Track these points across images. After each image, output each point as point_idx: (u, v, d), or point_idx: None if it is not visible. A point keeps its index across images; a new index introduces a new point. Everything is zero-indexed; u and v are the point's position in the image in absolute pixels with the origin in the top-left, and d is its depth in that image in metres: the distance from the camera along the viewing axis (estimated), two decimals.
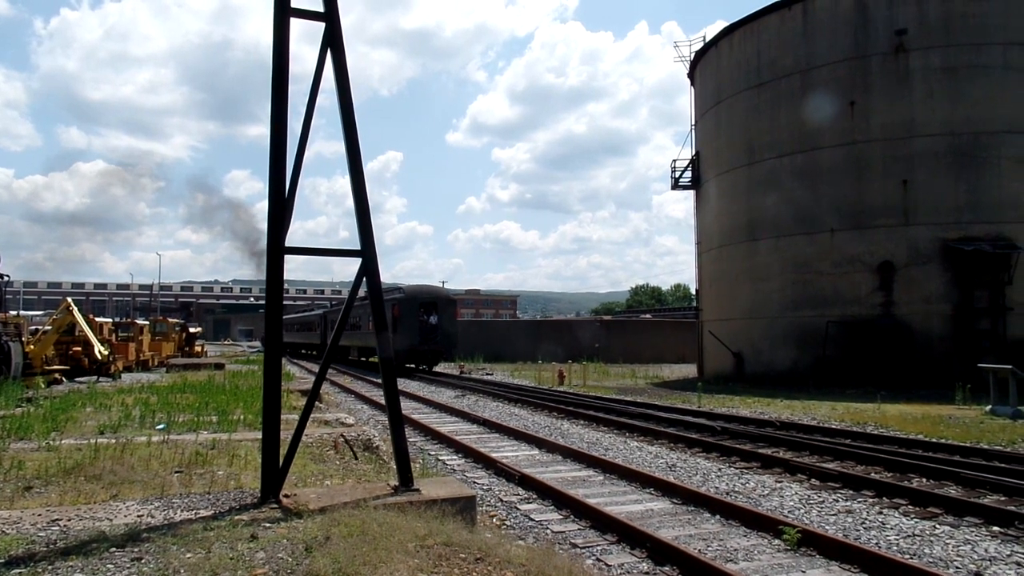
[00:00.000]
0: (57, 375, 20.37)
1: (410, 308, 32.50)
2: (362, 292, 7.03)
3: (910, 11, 23.82)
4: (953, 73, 23.33)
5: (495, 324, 65.96)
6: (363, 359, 40.12)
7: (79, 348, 22.79)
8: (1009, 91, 23.02)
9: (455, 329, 35.30)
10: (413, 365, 33.90)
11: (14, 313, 28.99)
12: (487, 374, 33.99)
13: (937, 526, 7.14)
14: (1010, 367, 15.78)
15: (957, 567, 5.94)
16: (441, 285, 52.05)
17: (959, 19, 23.39)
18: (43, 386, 17.85)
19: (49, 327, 22.19)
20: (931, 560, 6.09)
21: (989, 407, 16.06)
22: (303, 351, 57.91)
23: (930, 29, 23.62)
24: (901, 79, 23.77)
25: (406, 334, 31.93)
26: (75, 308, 22.63)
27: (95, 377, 21.96)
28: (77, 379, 21.55)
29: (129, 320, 34.32)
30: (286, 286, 6.33)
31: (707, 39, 31.17)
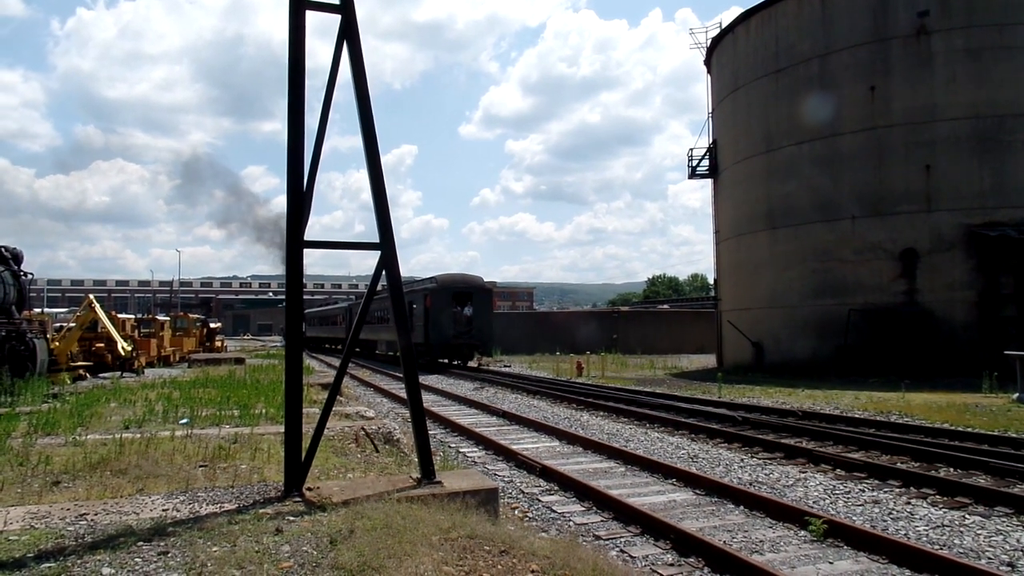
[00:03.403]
0: (81, 371, 20.63)
1: (443, 299, 30.36)
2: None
3: None
4: (976, 55, 22.83)
5: (509, 316, 65.90)
6: (391, 353, 38.09)
7: (102, 344, 23.10)
8: None
9: (491, 321, 32.81)
10: (447, 360, 31.76)
11: (38, 311, 29.47)
12: (505, 366, 33.85)
13: (967, 516, 7.02)
14: None
15: (989, 558, 5.82)
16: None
17: None
18: (68, 382, 18.10)
19: (73, 324, 22.48)
20: (962, 551, 5.98)
21: (1016, 395, 15.78)
22: (326, 345, 57.09)
23: (952, 10, 23.12)
24: (923, 62, 23.31)
25: (439, 327, 30.06)
26: (97, 305, 22.89)
27: (118, 373, 22.25)
28: (101, 375, 21.82)
29: (151, 316, 34.70)
30: (304, 280, 6.33)
31: (723, 25, 30.83)
